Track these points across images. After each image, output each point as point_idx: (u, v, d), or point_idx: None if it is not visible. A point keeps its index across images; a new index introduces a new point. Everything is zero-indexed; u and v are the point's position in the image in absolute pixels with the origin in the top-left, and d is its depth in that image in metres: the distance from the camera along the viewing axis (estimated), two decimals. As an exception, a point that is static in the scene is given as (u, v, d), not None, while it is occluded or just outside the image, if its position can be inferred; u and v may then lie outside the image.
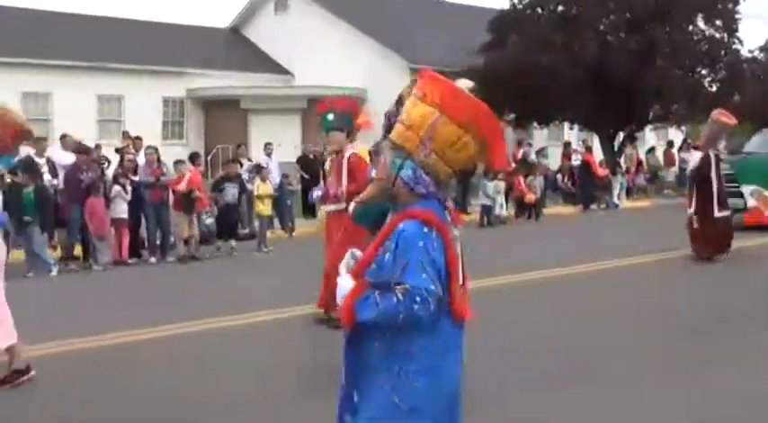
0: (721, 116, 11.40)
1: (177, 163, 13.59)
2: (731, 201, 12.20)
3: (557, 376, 5.98)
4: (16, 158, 13.29)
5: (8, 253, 6.43)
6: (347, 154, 7.87)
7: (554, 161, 24.01)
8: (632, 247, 12.50)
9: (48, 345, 7.31)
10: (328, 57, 27.53)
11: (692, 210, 11.47)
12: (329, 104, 8.14)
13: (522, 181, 19.14)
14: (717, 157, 11.69)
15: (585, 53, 22.83)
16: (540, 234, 16.54)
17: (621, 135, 26.62)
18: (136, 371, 6.55)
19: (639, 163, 26.36)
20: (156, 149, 13.78)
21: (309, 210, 17.90)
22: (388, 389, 2.99)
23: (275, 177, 16.41)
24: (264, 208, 14.54)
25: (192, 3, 61.63)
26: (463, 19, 29.90)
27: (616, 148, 26.30)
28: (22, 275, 11.52)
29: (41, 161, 13.35)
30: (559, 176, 22.95)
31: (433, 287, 2.90)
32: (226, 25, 33.28)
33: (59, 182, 13.06)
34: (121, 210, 12.77)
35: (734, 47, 25.84)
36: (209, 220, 14.05)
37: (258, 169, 15.23)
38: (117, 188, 12.84)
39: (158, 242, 13.16)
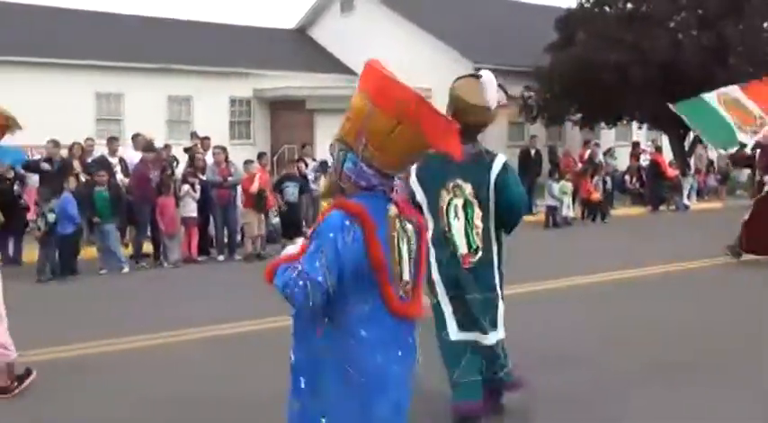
0: None
1: (247, 163, 13.80)
2: None
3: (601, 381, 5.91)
4: (90, 159, 13.75)
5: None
6: None
7: (622, 162, 23.66)
8: (699, 250, 12.26)
9: (123, 340, 7.51)
10: (393, 57, 27.44)
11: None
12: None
13: (589, 182, 18.91)
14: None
15: (655, 51, 22.42)
16: (604, 236, 16.32)
17: (692, 135, 26.07)
18: (205, 365, 6.69)
19: (710, 163, 25.79)
20: (224, 149, 14.02)
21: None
22: (326, 378, 2.96)
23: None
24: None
25: (259, 5, 62.36)
26: (529, 18, 29.66)
27: (686, 148, 25.77)
28: (95, 272, 11.87)
29: (114, 160, 13.72)
30: (627, 177, 22.61)
31: (320, 279, 2.84)
32: (292, 26, 33.63)
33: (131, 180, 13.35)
34: (190, 209, 13.02)
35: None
36: (276, 220, 14.26)
37: (324, 168, 15.36)
38: (186, 187, 13.10)
39: (225, 240, 13.39)
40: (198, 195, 13.15)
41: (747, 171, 25.92)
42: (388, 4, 29.21)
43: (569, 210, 18.22)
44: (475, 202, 4.87)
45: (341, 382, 2.98)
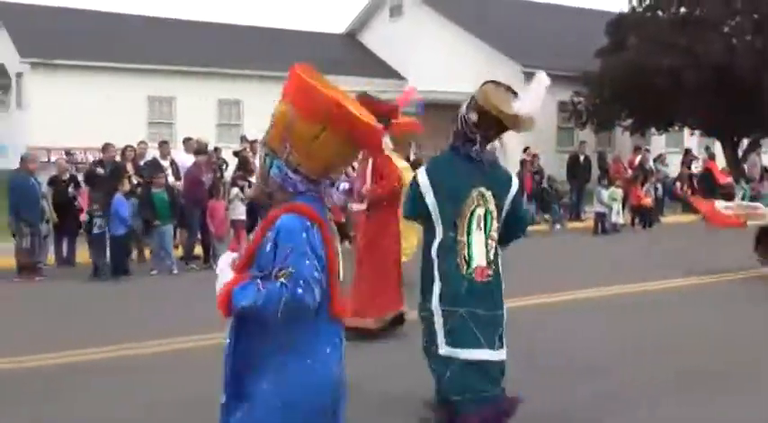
0: None
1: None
2: None
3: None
4: (142, 162, 14.00)
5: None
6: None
7: (673, 169, 23.34)
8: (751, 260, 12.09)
9: (169, 340, 7.65)
10: (442, 61, 27.60)
11: None
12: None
13: (639, 188, 18.72)
14: None
15: (709, 55, 22.10)
16: (653, 243, 16.13)
17: (746, 141, 25.63)
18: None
19: (765, 170, 25.28)
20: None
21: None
22: (266, 383, 2.91)
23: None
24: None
25: (309, 9, 62.85)
26: (578, 22, 29.43)
27: (740, 155, 25.34)
28: (147, 273, 12.10)
29: (165, 163, 13.94)
30: (678, 184, 22.31)
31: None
32: (341, 31, 33.84)
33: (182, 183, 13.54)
34: (240, 211, 13.18)
35: None
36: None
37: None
38: (235, 190, 13.26)
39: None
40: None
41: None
42: (436, 9, 29.24)
43: (619, 216, 18.05)
44: (495, 213, 4.68)
45: (273, 389, 2.92)
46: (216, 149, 15.56)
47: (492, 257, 4.66)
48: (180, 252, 13.12)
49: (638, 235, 17.66)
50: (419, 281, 4.85)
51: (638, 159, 20.82)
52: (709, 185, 21.06)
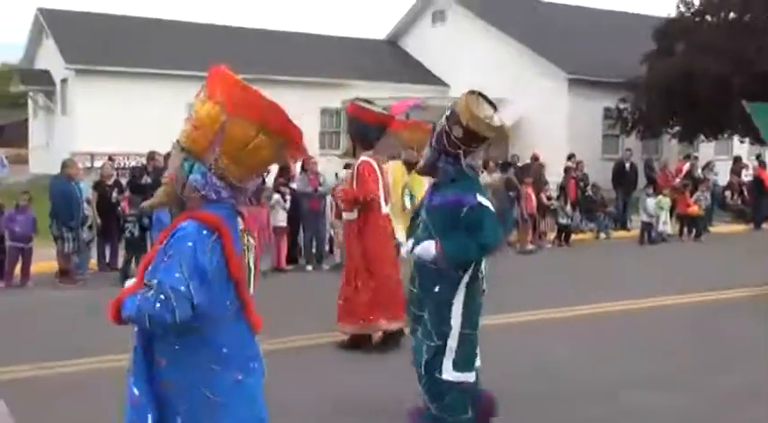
0: None
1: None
2: None
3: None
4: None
5: None
6: (358, 161, 7.76)
7: (722, 177, 22.95)
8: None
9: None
10: (485, 67, 27.48)
11: None
12: (346, 108, 8.19)
13: (687, 196, 18.42)
14: None
15: (759, 62, 21.69)
16: (701, 253, 15.85)
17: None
18: (285, 377, 6.77)
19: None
20: (314, 159, 14.18)
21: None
22: (192, 403, 2.85)
23: (429, 189, 16.49)
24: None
25: (351, 16, 63.14)
26: (624, 27, 29.13)
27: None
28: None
29: (207, 170, 14.02)
30: (728, 193, 21.92)
31: (182, 288, 2.71)
32: (383, 37, 33.90)
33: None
34: (281, 218, 13.21)
35: None
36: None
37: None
38: (276, 197, 13.30)
39: (314, 250, 13.55)
40: (288, 205, 13.34)
41: None
42: (479, 15, 29.14)
43: (666, 226, 17.78)
44: None
45: (198, 408, 2.87)
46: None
47: None
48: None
49: (687, 245, 17.37)
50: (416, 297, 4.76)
51: (686, 167, 20.49)
52: (759, 193, 20.67)
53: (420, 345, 4.57)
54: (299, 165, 14.57)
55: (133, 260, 11.77)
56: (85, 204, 12.39)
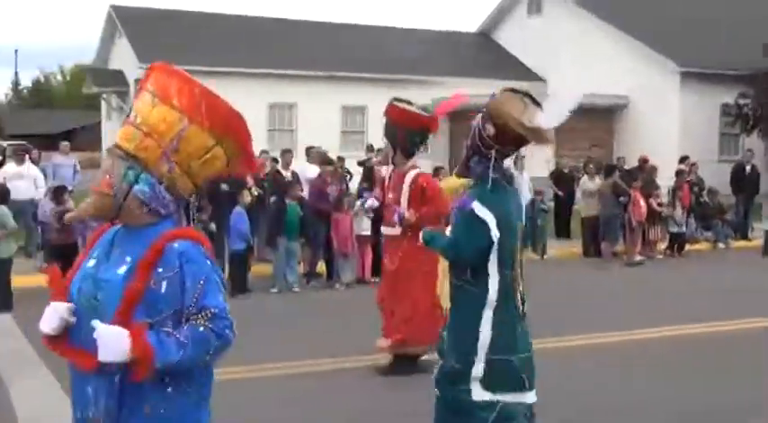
0: None
1: (438, 170, 13.89)
2: None
3: None
4: (264, 172, 14.31)
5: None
6: (412, 173, 7.53)
7: None
8: None
9: (271, 365, 7.77)
10: (586, 61, 27.15)
11: None
12: (385, 111, 7.82)
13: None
14: None
15: None
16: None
17: None
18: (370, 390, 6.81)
19: None
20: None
21: (564, 229, 17.81)
22: None
23: (526, 194, 16.35)
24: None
25: (439, 7, 63.20)
26: (745, 14, 28.30)
27: None
28: (266, 290, 12.33)
29: (287, 174, 14.16)
30: None
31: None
32: (474, 29, 33.82)
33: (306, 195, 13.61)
34: (365, 226, 13.22)
35: None
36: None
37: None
38: (360, 203, 13.35)
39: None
40: (373, 213, 13.36)
41: None
42: (579, 4, 28.79)
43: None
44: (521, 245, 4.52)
45: None
46: (339, 159, 15.69)
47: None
48: (302, 268, 13.28)
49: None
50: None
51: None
52: None
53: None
54: (385, 168, 14.63)
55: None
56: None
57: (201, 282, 2.70)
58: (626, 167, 18.33)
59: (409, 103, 7.67)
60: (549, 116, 4.27)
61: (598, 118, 26.44)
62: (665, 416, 6.42)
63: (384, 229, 7.97)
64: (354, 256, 13.17)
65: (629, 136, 26.60)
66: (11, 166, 14.87)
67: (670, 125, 24.98)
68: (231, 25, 28.34)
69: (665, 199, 16.69)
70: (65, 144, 17.03)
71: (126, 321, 2.62)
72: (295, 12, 55.19)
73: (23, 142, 26.31)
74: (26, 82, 72.66)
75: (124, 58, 27.83)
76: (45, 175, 15.14)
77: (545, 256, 16.00)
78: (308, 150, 15.66)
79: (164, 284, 2.67)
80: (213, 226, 12.28)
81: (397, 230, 7.47)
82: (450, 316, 4.58)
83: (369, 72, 26.66)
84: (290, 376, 7.53)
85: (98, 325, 2.59)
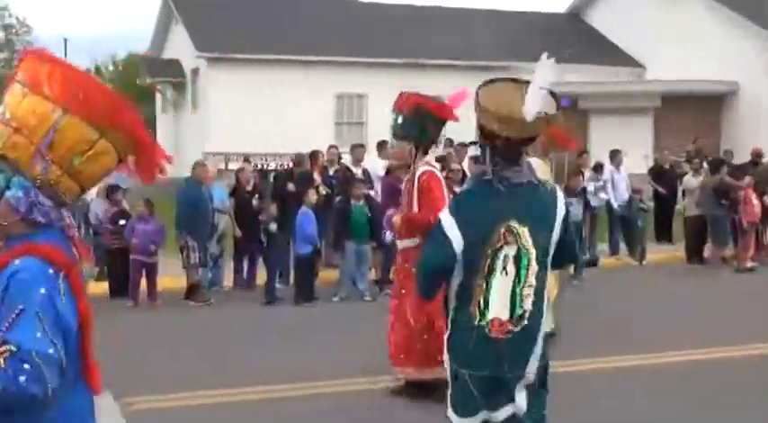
0: None
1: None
2: None
3: None
4: (332, 170, 14.27)
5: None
6: (418, 171, 7.20)
7: None
8: None
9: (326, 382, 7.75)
10: (691, 43, 26.63)
11: None
12: (400, 103, 7.43)
13: None
14: None
15: None
16: None
17: None
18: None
19: None
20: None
21: (664, 232, 17.50)
22: None
23: (623, 193, 16.16)
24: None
25: (522, -15, 62.59)
26: None
27: None
28: (328, 299, 12.21)
29: (358, 171, 14.10)
30: None
31: (51, 351, 2.47)
32: (563, 9, 33.50)
33: (377, 193, 13.49)
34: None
35: None
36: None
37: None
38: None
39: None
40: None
41: None
42: (682, -21, 28.29)
43: None
44: (532, 252, 4.20)
45: None
46: (412, 153, 15.55)
47: (525, 308, 4.20)
48: (374, 274, 13.19)
49: None
50: None
51: None
52: None
53: None
54: (465, 163, 14.50)
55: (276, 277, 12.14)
56: (217, 213, 12.74)
57: (17, 311, 2.51)
58: (735, 162, 17.90)
59: (424, 96, 7.52)
60: (531, 101, 4.14)
61: (703, 107, 25.94)
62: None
63: (399, 242, 7.56)
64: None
65: (738, 126, 26.00)
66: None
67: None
68: (295, 11, 28.41)
69: (781, 197, 16.24)
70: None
71: None
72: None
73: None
74: (77, 73, 74.22)
75: (180, 47, 28.17)
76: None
77: (644, 262, 15.71)
78: (380, 145, 15.59)
79: (13, 304, 2.54)
80: (273, 226, 12.33)
81: (413, 241, 7.02)
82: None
83: (446, 58, 26.49)
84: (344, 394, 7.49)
85: None
